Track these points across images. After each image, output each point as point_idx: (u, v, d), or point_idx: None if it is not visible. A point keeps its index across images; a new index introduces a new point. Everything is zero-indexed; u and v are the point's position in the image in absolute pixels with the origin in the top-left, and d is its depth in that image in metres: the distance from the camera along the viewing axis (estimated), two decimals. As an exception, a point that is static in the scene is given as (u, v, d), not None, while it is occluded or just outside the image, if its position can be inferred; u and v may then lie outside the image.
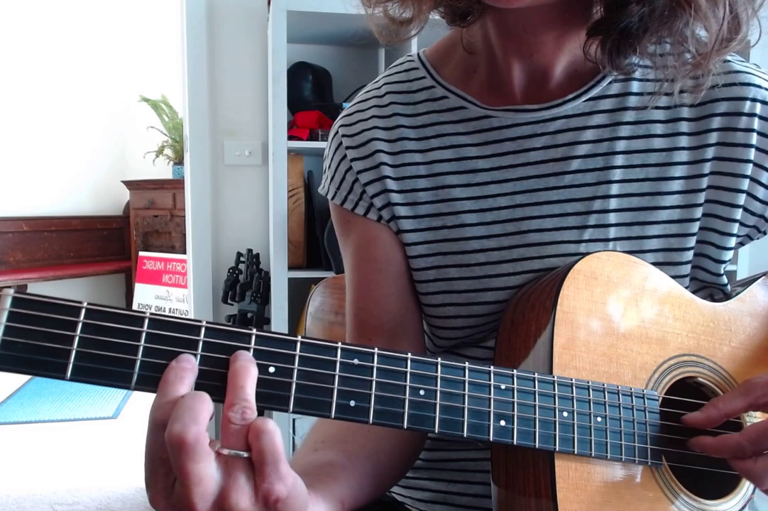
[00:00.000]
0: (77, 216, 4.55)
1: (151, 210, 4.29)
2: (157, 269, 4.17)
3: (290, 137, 1.94)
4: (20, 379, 3.54)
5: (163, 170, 4.55)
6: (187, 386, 0.39)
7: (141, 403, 3.21)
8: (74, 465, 2.49)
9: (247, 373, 0.40)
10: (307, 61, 2.15)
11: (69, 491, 2.27)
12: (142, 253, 4.27)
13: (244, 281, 2.16)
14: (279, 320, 1.93)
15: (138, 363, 0.39)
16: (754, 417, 0.61)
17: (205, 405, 0.38)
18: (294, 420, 2.02)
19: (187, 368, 0.39)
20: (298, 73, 2.11)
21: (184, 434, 0.36)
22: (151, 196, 4.28)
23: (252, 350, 0.42)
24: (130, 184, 4.42)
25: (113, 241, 4.76)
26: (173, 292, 4.06)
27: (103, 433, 2.83)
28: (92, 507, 2.17)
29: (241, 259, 2.21)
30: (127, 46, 4.69)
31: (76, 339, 0.38)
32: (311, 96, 2.13)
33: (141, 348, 0.39)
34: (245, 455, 0.39)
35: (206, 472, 0.37)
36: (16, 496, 2.23)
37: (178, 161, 4.30)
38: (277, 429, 0.39)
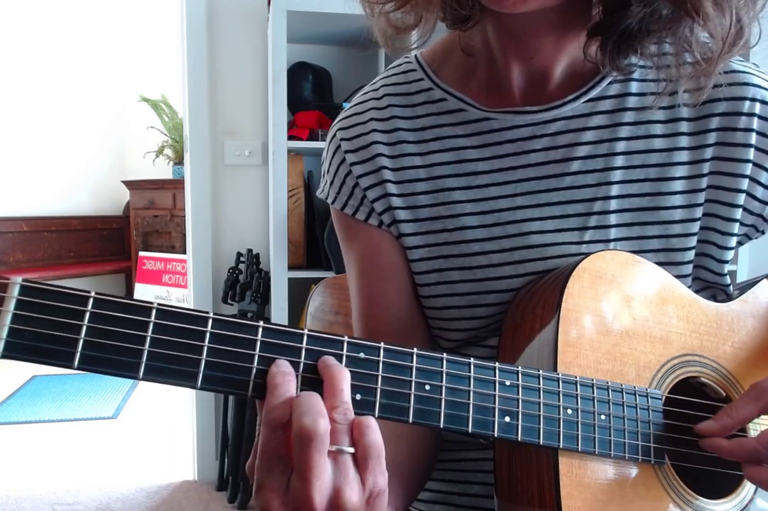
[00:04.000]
0: (77, 216, 4.55)
1: (151, 210, 4.29)
2: (157, 269, 4.17)
3: (290, 137, 1.94)
4: (20, 379, 3.54)
5: (163, 170, 4.55)
6: (293, 387, 0.42)
7: (141, 403, 3.21)
8: (74, 465, 2.49)
9: (344, 376, 0.43)
10: (307, 61, 2.15)
11: (69, 491, 2.27)
12: (142, 254, 4.27)
13: (244, 281, 2.16)
14: (279, 320, 1.93)
15: (145, 353, 0.39)
16: (759, 424, 0.61)
17: (321, 402, 0.41)
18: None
19: (289, 372, 0.42)
20: (298, 73, 2.11)
21: (315, 425, 0.39)
22: (151, 196, 4.28)
23: (259, 343, 0.42)
24: (130, 184, 4.43)
25: (113, 241, 4.76)
26: (173, 292, 4.06)
27: (103, 433, 2.83)
28: (92, 507, 2.16)
29: (241, 259, 2.21)
30: (127, 46, 4.70)
31: (84, 328, 0.38)
32: (311, 96, 2.13)
33: (148, 338, 0.39)
34: (351, 450, 0.41)
35: (326, 466, 0.40)
36: (16, 496, 2.23)
37: (178, 161, 4.30)
38: (377, 425, 0.42)
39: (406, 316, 0.69)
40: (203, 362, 0.41)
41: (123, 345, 0.39)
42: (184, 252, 3.43)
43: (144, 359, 0.39)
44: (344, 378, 0.43)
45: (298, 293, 2.05)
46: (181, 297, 3.97)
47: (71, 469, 2.46)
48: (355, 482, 0.41)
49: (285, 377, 0.42)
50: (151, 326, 0.40)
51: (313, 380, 0.43)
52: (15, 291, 0.37)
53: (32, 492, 2.26)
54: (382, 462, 0.42)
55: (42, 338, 0.37)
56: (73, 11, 4.43)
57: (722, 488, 0.59)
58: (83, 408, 3.13)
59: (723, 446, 0.54)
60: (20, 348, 0.37)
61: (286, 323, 1.99)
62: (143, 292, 4.19)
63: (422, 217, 0.67)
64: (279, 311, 1.94)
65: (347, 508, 0.40)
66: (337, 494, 0.40)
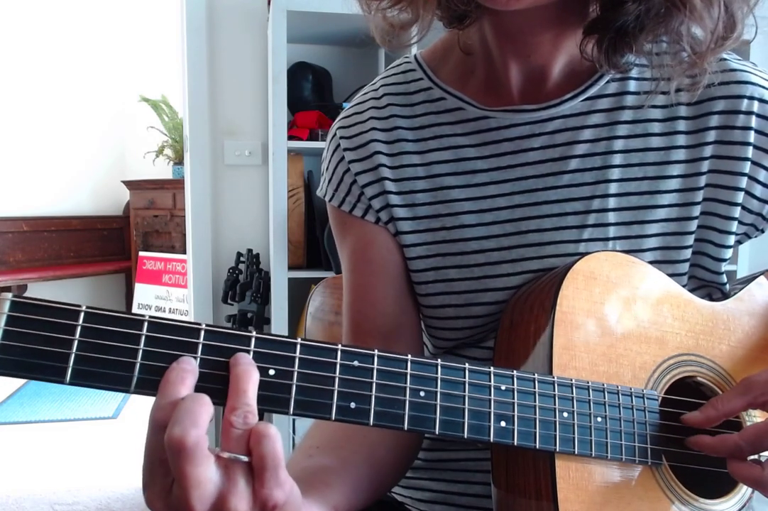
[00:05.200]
0: (77, 216, 4.55)
1: (151, 210, 4.29)
2: (157, 269, 4.17)
3: (290, 137, 1.94)
4: (20, 379, 3.54)
5: (163, 170, 4.55)
6: (188, 387, 0.39)
7: (141, 403, 3.21)
8: (74, 465, 2.49)
9: (249, 377, 0.40)
10: (307, 61, 2.15)
11: (69, 491, 2.27)
12: (142, 254, 4.27)
13: (244, 281, 2.16)
14: (279, 320, 1.93)
15: (137, 366, 0.39)
16: (754, 416, 0.61)
17: (204, 408, 0.37)
18: (294, 420, 2.02)
19: (188, 370, 0.39)
20: (298, 73, 2.11)
21: (183, 437, 0.36)
22: (151, 196, 4.28)
23: (252, 353, 0.42)
24: (130, 184, 4.42)
25: (113, 241, 4.76)
26: (173, 292, 4.05)
27: (103, 433, 2.83)
28: (92, 507, 2.17)
29: (241, 259, 2.21)
30: (127, 46, 4.69)
31: (75, 343, 0.38)
32: (311, 96, 2.13)
33: (140, 351, 0.39)
34: (245, 459, 0.38)
35: (205, 475, 0.37)
36: (16, 496, 2.23)
37: (178, 161, 4.30)
38: (278, 434, 0.39)
39: (394, 314, 0.69)
40: (197, 374, 0.40)
41: (115, 359, 0.38)
42: (184, 252, 3.43)
43: (136, 372, 0.39)
44: (250, 378, 0.40)
45: (298, 293, 2.04)
46: (181, 297, 3.97)
47: (71, 469, 2.46)
48: (245, 492, 0.38)
49: (179, 375, 0.39)
50: (143, 338, 0.39)
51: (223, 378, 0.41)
52: (5, 307, 0.36)
53: (32, 492, 2.26)
54: (279, 474, 0.38)
55: (33, 353, 0.37)
56: (73, 11, 4.43)
57: (721, 488, 0.59)
58: (83, 408, 3.13)
59: (706, 442, 0.54)
60: (11, 364, 0.36)
61: (286, 323, 1.99)
62: (143, 292, 4.19)
63: (420, 215, 0.68)
64: (279, 311, 1.94)
65: None
66: (221, 504, 0.37)
